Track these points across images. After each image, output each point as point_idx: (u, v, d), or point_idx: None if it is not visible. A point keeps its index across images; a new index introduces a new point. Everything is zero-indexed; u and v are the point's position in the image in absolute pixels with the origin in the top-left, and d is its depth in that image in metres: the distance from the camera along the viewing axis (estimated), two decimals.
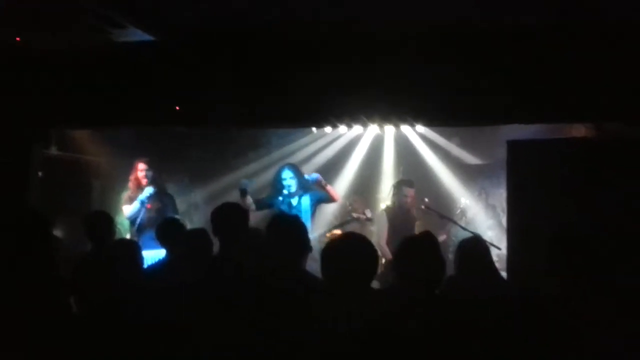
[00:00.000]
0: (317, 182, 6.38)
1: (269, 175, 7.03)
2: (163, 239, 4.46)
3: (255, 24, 4.92)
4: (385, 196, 6.97)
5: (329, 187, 6.44)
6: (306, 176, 6.38)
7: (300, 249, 3.26)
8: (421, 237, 3.13)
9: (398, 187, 6.52)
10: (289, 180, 6.18)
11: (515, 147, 5.00)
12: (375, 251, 2.83)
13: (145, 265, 3.99)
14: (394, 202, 6.50)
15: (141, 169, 6.36)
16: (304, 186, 6.28)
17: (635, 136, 4.90)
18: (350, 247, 2.82)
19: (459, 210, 7.29)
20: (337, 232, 6.54)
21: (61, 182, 6.75)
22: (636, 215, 4.38)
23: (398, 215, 6.38)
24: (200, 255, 3.97)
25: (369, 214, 6.70)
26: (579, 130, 5.78)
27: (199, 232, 4.18)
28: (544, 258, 2.91)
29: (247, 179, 6.35)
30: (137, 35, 3.96)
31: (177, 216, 6.20)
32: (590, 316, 2.58)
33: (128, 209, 6.23)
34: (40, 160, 6.36)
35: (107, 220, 4.69)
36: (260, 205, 6.30)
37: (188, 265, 3.97)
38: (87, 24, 3.70)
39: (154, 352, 2.91)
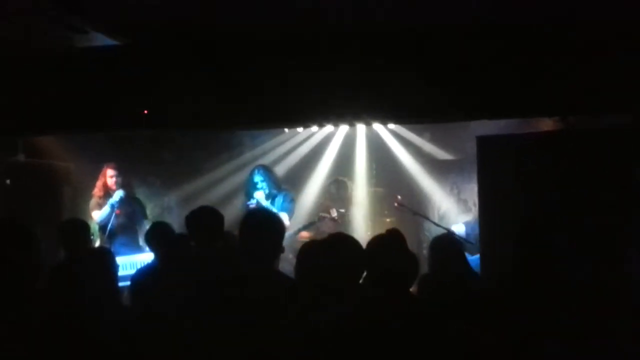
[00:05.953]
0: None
1: (242, 176, 7.03)
2: (153, 243, 4.43)
3: (222, 25, 4.89)
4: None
5: None
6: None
7: (274, 250, 3.11)
8: (388, 234, 3.14)
9: None
10: (260, 183, 6.25)
11: (484, 143, 5.05)
12: (356, 252, 2.83)
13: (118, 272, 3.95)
14: None
15: (110, 175, 6.28)
16: (276, 186, 6.32)
17: (601, 127, 4.99)
18: (329, 249, 2.81)
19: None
20: (306, 233, 6.72)
21: (30, 189, 6.63)
22: (603, 205, 4.45)
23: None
24: (189, 259, 3.99)
25: (334, 213, 6.80)
26: (546, 124, 5.87)
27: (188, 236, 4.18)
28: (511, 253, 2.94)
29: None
30: (100, 40, 3.90)
31: (146, 221, 6.18)
32: (550, 314, 2.60)
33: (98, 214, 6.17)
34: (7, 167, 6.26)
35: (82, 228, 4.63)
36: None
37: (179, 269, 3.95)
38: (48, 30, 3.63)
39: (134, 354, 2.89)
